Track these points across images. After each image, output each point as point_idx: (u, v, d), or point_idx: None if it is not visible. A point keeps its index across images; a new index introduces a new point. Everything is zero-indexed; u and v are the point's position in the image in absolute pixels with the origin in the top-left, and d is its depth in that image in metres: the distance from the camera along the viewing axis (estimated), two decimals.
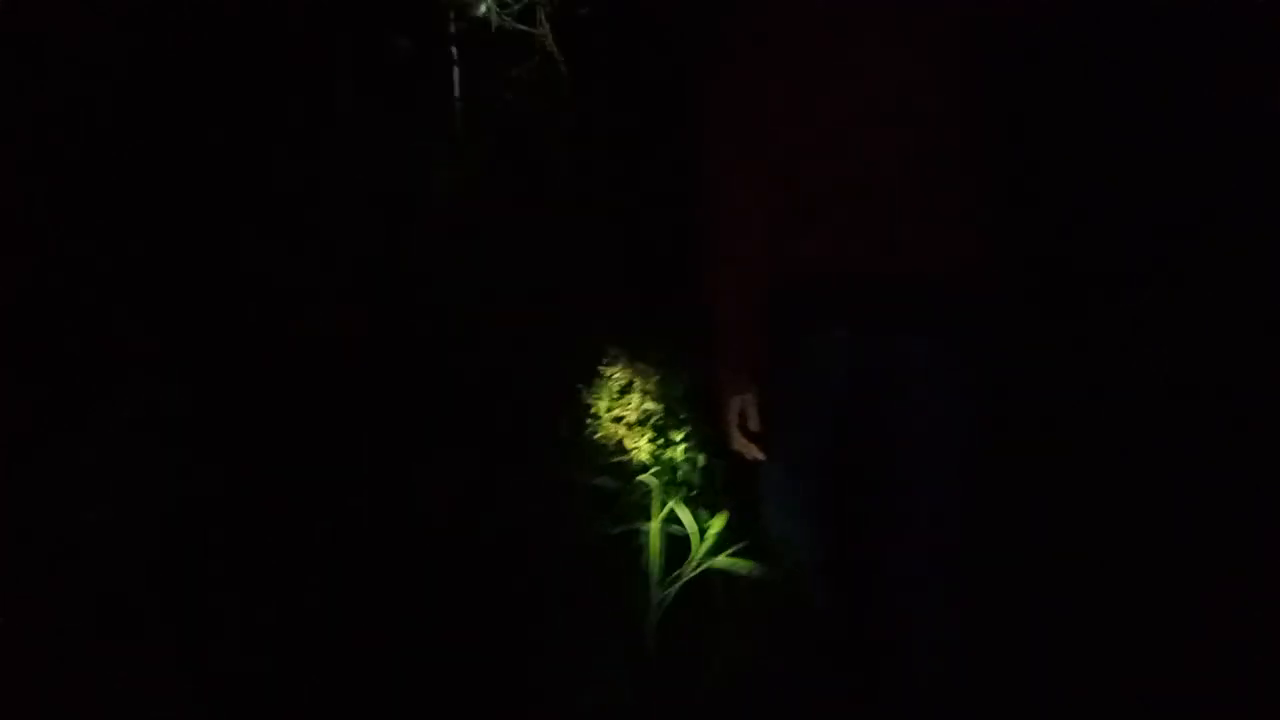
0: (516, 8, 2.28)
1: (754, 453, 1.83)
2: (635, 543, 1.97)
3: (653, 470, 2.05)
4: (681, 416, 2.10)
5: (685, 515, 1.95)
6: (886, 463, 1.73)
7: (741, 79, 1.73)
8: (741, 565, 1.88)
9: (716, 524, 1.94)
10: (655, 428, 2.09)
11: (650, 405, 2.10)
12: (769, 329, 1.76)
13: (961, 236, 1.68)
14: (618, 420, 2.11)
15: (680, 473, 2.04)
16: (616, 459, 2.07)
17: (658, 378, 2.12)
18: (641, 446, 2.08)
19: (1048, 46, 1.80)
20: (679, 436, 2.07)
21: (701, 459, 2.04)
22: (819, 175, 1.69)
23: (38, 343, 2.04)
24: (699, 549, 1.92)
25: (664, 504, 1.97)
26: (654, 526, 1.95)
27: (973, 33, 1.67)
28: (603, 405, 2.12)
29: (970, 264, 1.68)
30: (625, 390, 2.12)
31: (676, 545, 1.97)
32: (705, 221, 1.80)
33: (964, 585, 1.73)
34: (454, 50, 2.32)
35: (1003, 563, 1.88)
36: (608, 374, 2.14)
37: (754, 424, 1.81)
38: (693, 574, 1.91)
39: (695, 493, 2.02)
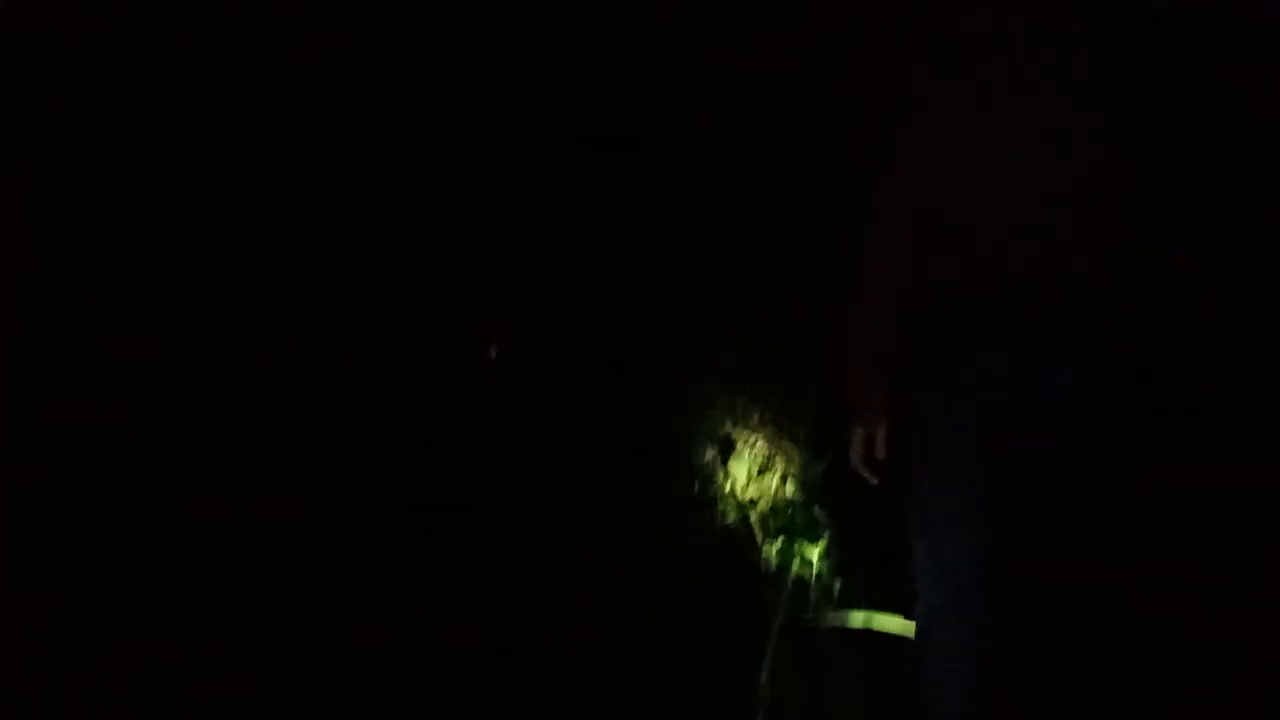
0: None
1: (872, 479, 1.81)
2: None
3: (779, 577, 1.85)
4: (821, 514, 1.92)
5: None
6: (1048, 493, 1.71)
7: (917, 110, 1.70)
8: None
9: None
10: (789, 519, 1.90)
11: (790, 492, 1.90)
12: (919, 359, 1.74)
13: (1121, 264, 1.67)
14: (752, 504, 1.92)
15: (813, 593, 1.85)
16: (742, 555, 1.89)
17: (801, 458, 1.93)
18: (772, 552, 1.89)
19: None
20: (815, 551, 1.87)
21: (839, 585, 1.85)
22: (978, 206, 1.67)
23: (43, 342, 2.03)
24: None
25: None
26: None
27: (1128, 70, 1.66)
28: (739, 483, 1.94)
29: (1131, 292, 1.67)
30: (764, 469, 1.94)
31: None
32: (846, 252, 1.78)
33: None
34: None
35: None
36: (747, 443, 1.97)
37: (879, 453, 1.79)
38: None
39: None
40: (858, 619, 1.76)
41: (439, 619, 2.08)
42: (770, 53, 2.26)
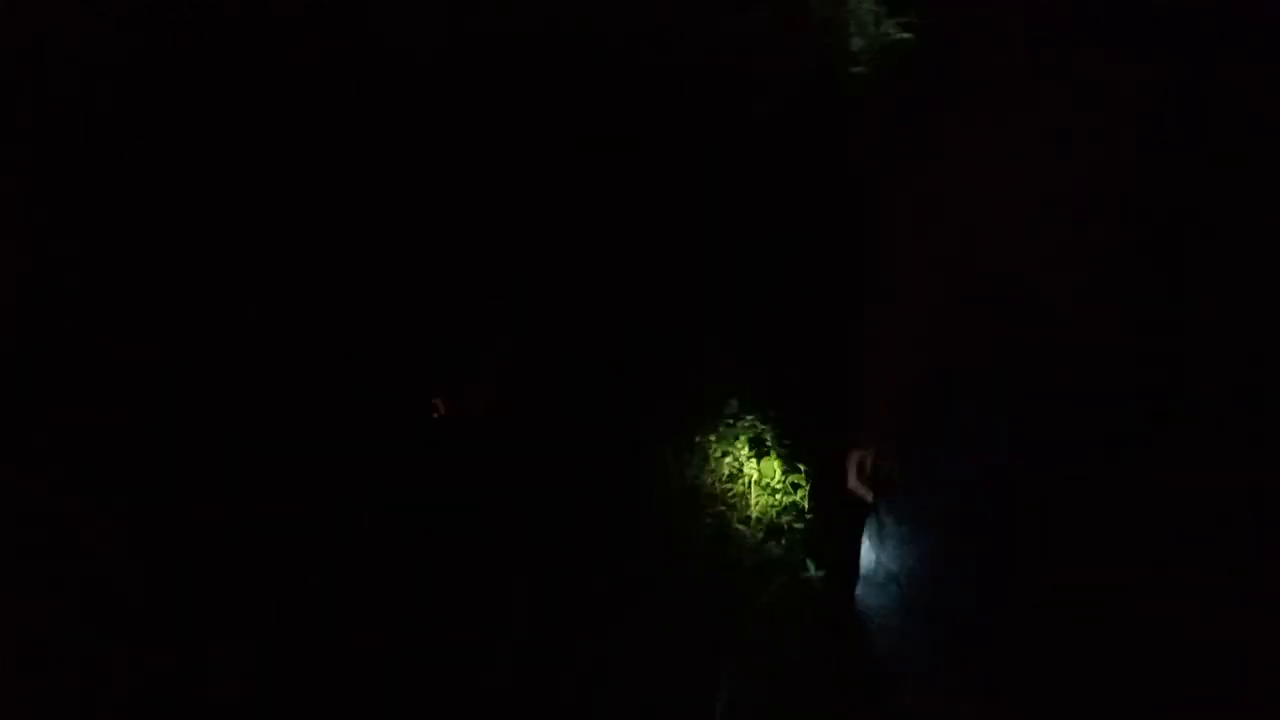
0: None
1: (866, 497, 1.87)
2: None
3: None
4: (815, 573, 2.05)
5: None
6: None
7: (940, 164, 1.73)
8: None
9: None
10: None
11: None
12: (929, 403, 1.76)
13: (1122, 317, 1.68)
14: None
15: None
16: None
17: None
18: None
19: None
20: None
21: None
22: (978, 207, 1.68)
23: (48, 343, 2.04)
24: None
25: None
26: None
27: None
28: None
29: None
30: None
31: None
32: (870, 292, 1.82)
33: None
34: None
35: None
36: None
37: (869, 474, 1.85)
38: None
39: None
40: None
41: (439, 619, 2.08)
42: (770, 53, 2.26)
